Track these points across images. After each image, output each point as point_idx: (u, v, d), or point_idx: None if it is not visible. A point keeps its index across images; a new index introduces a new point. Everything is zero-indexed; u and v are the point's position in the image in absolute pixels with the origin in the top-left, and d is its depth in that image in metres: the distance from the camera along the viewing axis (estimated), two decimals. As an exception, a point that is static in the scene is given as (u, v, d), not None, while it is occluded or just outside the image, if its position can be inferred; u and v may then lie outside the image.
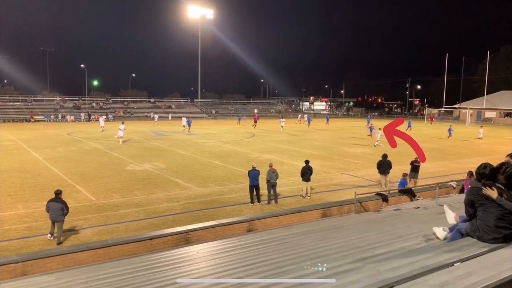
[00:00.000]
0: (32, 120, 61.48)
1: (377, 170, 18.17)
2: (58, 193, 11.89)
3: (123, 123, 36.45)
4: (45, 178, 19.63)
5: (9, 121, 60.84)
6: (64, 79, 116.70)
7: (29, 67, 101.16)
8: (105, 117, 49.48)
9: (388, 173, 17.83)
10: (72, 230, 12.37)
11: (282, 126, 46.55)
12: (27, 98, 74.16)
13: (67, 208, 11.68)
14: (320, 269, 4.07)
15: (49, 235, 11.59)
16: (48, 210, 11.58)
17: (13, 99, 73.32)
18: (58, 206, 11.51)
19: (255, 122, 52.78)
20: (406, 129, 49.69)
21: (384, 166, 17.83)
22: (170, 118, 59.93)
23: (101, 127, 46.08)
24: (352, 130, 51.70)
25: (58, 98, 76.82)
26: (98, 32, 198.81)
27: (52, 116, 65.66)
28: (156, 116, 58.93)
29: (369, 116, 51.82)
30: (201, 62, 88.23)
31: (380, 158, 18.18)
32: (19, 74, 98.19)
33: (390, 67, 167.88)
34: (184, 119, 48.42)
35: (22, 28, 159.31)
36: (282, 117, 50.01)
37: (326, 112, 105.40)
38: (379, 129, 30.98)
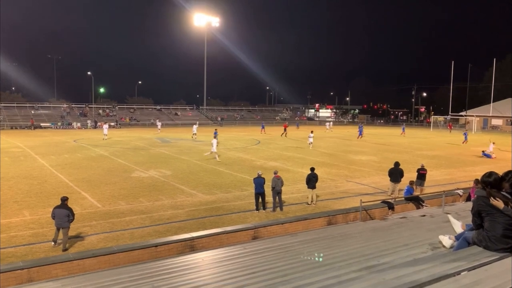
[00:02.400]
0: (32, 127, 61.70)
1: (389, 178, 18.06)
2: (64, 199, 11.94)
3: (105, 123, 40.60)
4: (51, 184, 19.72)
5: (16, 128, 61.33)
6: (71, 87, 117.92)
7: (36, 75, 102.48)
8: (108, 125, 47.54)
9: (399, 181, 17.74)
10: (78, 237, 12.40)
11: (311, 143, 36.44)
12: (34, 105, 74.81)
13: (73, 214, 11.73)
14: (316, 259, 4.05)
15: (52, 243, 11.58)
16: (53, 216, 11.61)
17: (21, 106, 73.98)
18: (64, 212, 11.55)
19: (285, 130, 50.20)
20: (401, 134, 53.69)
21: (395, 174, 17.75)
22: (159, 127, 56.06)
23: (104, 135, 43.80)
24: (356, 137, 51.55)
25: (65, 105, 77.44)
26: (105, 40, 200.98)
27: (59, 123, 66.13)
28: (159, 123, 58.63)
29: (361, 125, 51.75)
30: (207, 69, 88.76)
31: (392, 166, 18.13)
32: (27, 81, 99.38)
33: (395, 74, 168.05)
34: (194, 127, 47.10)
35: (30, 36, 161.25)
36: (312, 132, 38.39)
37: (332, 119, 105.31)
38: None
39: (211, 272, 5.34)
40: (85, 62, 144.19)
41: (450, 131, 65.15)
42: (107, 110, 78.54)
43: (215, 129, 37.59)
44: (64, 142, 40.40)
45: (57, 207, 11.72)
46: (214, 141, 29.97)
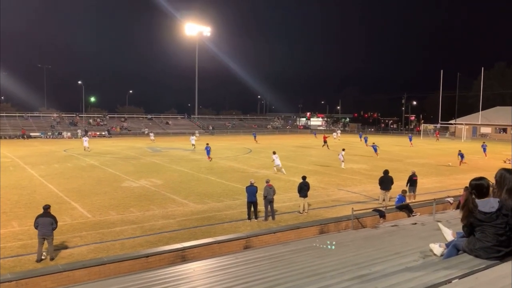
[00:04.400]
0: (25, 136, 61.21)
1: (379, 186, 18.14)
2: (46, 208, 11.79)
3: (85, 135, 40.18)
4: (40, 195, 19.50)
5: (5, 138, 60.67)
6: (61, 96, 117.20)
7: (26, 84, 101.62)
8: (88, 137, 45.30)
9: (390, 189, 17.85)
10: (67, 248, 12.25)
11: (343, 161, 30.19)
12: (23, 114, 74.19)
13: (56, 222, 11.58)
14: (329, 247, 4.01)
15: (40, 256, 11.28)
16: (37, 226, 11.36)
17: (10, 115, 73.30)
18: (48, 221, 11.37)
19: (325, 142, 46.14)
20: (410, 145, 49.86)
21: (386, 182, 17.85)
22: (152, 137, 55.38)
23: (85, 147, 41.31)
24: (348, 145, 51.81)
25: (55, 115, 76.89)
26: (95, 49, 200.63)
27: (49, 133, 65.58)
28: (152, 134, 57.84)
29: (360, 133, 51.40)
30: (198, 78, 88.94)
31: (381, 174, 18.23)
32: (17, 90, 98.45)
33: (386, 83, 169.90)
34: (193, 138, 44.43)
35: (20, 45, 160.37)
36: (343, 150, 31.92)
37: (323, 128, 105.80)
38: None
39: (203, 283, 5.31)
40: (76, 71, 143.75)
41: (437, 139, 65.66)
42: (98, 120, 78.10)
43: (207, 144, 35.13)
44: (54, 152, 40.05)
45: (40, 216, 11.52)
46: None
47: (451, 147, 46.67)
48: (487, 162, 33.81)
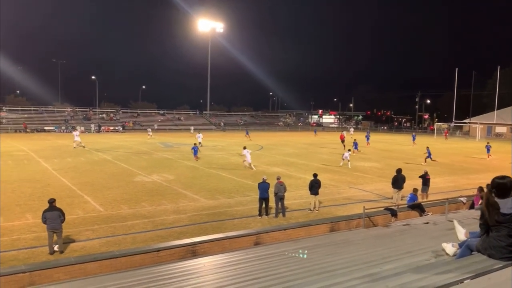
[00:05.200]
0: (28, 130, 61.71)
1: (392, 185, 17.98)
2: (52, 201, 11.89)
3: (76, 129, 41.44)
4: (54, 188, 19.76)
5: (20, 131, 61.57)
6: (75, 91, 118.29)
7: (41, 79, 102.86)
8: (79, 132, 43.26)
9: (402, 187, 17.71)
10: (80, 241, 12.40)
11: (348, 161, 29.23)
12: (38, 108, 75.17)
13: (63, 214, 11.69)
14: (301, 255, 4.01)
15: (53, 249, 11.44)
16: (45, 221, 11.46)
17: (25, 109, 74.35)
18: (56, 214, 11.47)
19: (343, 141, 43.35)
20: (413, 145, 47.90)
21: (400, 181, 17.72)
22: (150, 133, 54.70)
23: (78, 142, 38.95)
24: (361, 143, 51.46)
25: (69, 109, 77.76)
26: (109, 45, 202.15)
27: (63, 127, 66.38)
28: (150, 129, 57.67)
29: (367, 135, 48.85)
30: (210, 74, 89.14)
31: (394, 173, 18.08)
32: (31, 85, 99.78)
33: (399, 81, 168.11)
34: (200, 136, 42.32)
35: (35, 40, 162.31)
36: (349, 150, 31.66)
37: (335, 126, 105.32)
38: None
39: (213, 278, 5.33)
40: (90, 66, 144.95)
41: (446, 138, 64.72)
42: (111, 114, 78.80)
43: (194, 144, 32.60)
44: (67, 146, 40.51)
45: (47, 210, 11.61)
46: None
47: (465, 146, 46.12)
48: (501, 162, 33.29)
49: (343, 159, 29.55)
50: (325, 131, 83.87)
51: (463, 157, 36.58)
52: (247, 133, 56.84)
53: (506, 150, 40.62)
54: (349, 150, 31.52)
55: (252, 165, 26.96)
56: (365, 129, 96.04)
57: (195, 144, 32.93)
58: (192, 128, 69.92)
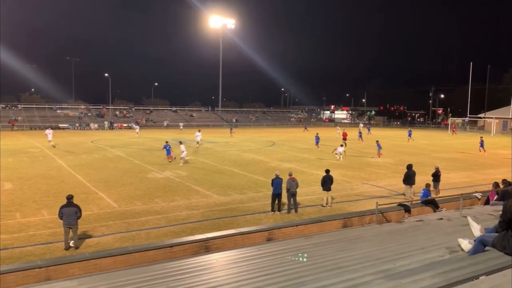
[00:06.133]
0: (16, 128, 61.77)
1: (403, 182, 17.84)
2: (70, 197, 12.05)
3: (50, 128, 41.48)
4: (69, 184, 20.02)
5: (35, 129, 62.46)
6: (89, 88, 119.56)
7: (55, 77, 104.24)
8: (51, 130, 40.56)
9: (414, 183, 17.57)
10: (94, 236, 12.56)
11: (340, 154, 30.05)
12: (52, 106, 76.15)
13: (80, 211, 11.85)
14: (301, 259, 4.01)
15: (68, 244, 11.61)
16: (61, 216, 11.63)
17: (40, 107, 75.39)
18: (73, 210, 11.64)
19: (345, 139, 41.53)
20: (408, 140, 46.71)
21: (412, 177, 17.58)
22: (137, 131, 53.43)
23: (50, 141, 37.48)
24: (374, 139, 51.14)
25: (82, 107, 78.65)
26: (122, 42, 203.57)
27: (77, 124, 67.17)
28: (137, 127, 56.68)
29: (368, 126, 49.45)
30: (222, 71, 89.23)
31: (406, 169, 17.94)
32: (46, 83, 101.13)
33: (413, 75, 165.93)
34: (198, 135, 38.68)
35: (49, 38, 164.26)
36: (341, 146, 31.36)
37: (348, 121, 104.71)
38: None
39: (226, 273, 5.36)
40: (103, 64, 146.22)
41: (453, 133, 63.31)
42: (124, 111, 79.47)
43: (166, 142, 29.79)
44: (81, 143, 41.01)
45: (64, 206, 11.77)
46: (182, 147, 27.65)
47: (475, 142, 45.34)
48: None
49: (337, 153, 29.78)
50: (319, 126, 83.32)
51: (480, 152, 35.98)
52: (230, 130, 56.49)
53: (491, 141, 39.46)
54: (342, 145, 31.63)
55: (184, 161, 27.02)
56: (378, 125, 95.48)
57: (167, 142, 29.79)
58: (181, 124, 67.50)
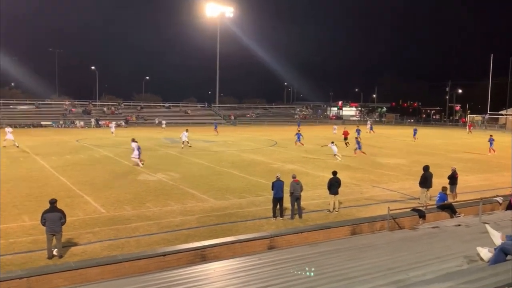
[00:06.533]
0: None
1: (420, 185, 17.81)
2: (53, 202, 12.00)
3: (11, 126, 41.68)
4: (52, 187, 20.04)
5: (15, 127, 62.47)
6: (74, 82, 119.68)
7: (37, 70, 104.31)
8: (10, 128, 39.23)
9: (431, 186, 17.56)
10: (80, 244, 12.57)
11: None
12: (34, 102, 76.14)
13: (64, 217, 11.82)
14: (305, 269, 4.01)
15: (51, 253, 11.56)
16: (44, 222, 11.57)
17: (20, 102, 75.38)
18: (57, 216, 11.56)
19: (346, 139, 40.25)
20: (414, 139, 46.52)
21: (429, 179, 17.57)
22: (112, 130, 51.50)
23: (8, 140, 36.35)
24: (385, 138, 51.19)
25: (67, 103, 78.64)
26: (110, 33, 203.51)
27: (61, 122, 67.20)
28: (113, 124, 55.35)
29: (371, 124, 48.49)
30: (219, 64, 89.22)
31: (422, 171, 17.92)
32: (27, 76, 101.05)
33: (427, 69, 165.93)
34: (185, 134, 37.57)
35: (31, 29, 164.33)
36: (332, 142, 31.65)
37: (356, 119, 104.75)
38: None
39: (224, 284, 5.37)
40: (89, 56, 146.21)
41: (469, 131, 62.59)
42: (112, 108, 79.54)
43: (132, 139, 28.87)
44: (66, 142, 41.05)
45: (47, 211, 11.71)
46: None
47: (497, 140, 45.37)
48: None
49: (336, 154, 30.16)
50: (326, 124, 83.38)
51: (501, 152, 35.98)
52: (215, 127, 55.14)
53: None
54: (333, 142, 31.71)
55: (140, 163, 26.47)
56: (389, 122, 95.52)
57: (133, 140, 28.65)
58: (163, 122, 63.69)
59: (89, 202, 17.56)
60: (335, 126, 57.07)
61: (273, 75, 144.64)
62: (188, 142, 37.52)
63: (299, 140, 39.37)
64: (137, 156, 26.65)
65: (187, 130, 38.51)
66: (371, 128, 58.36)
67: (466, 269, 4.57)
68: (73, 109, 74.55)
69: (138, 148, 27.14)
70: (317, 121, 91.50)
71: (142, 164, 26.48)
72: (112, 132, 50.77)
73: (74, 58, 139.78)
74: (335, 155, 30.20)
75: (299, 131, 41.48)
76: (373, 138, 50.14)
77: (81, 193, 19.09)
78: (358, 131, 44.40)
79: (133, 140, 27.99)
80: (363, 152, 32.66)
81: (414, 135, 48.12)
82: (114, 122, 58.30)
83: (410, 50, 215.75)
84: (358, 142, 33.13)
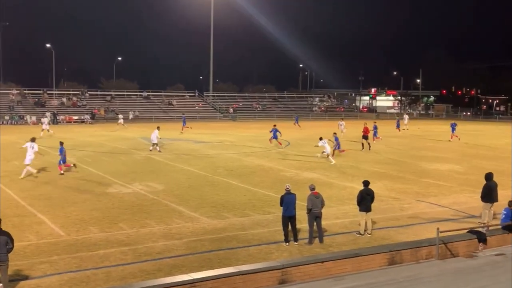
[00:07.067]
0: None
1: (482, 199, 17.72)
2: None
3: None
4: (-5, 203, 20.11)
5: None
6: (24, 65, 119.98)
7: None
8: None
9: (496, 200, 17.46)
10: (32, 278, 12.59)
11: (326, 152, 32.02)
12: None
13: (12, 241, 11.73)
14: None
15: None
16: None
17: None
18: (2, 240, 11.42)
19: (365, 137, 40.20)
20: (451, 138, 46.29)
21: (494, 190, 17.48)
22: (44, 126, 49.92)
23: None
24: (434, 137, 51.07)
25: (14, 92, 78.78)
26: (71, 2, 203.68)
27: (6, 117, 67.37)
28: (45, 120, 54.23)
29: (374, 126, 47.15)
30: (214, 42, 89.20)
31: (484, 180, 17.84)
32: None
33: (489, 46, 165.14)
34: (155, 132, 36.28)
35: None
36: (320, 139, 32.41)
37: (395, 111, 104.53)
38: None
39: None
40: (44, 31, 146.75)
41: None
42: (74, 98, 79.80)
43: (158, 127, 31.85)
44: (13, 144, 41.10)
45: None
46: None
47: None
48: None
49: (325, 153, 31.18)
50: (354, 118, 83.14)
51: None
52: (184, 123, 54.44)
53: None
54: (321, 138, 31.93)
55: (28, 172, 26.33)
56: (439, 115, 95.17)
57: (62, 143, 28.98)
58: (121, 117, 63.08)
59: (44, 222, 17.60)
60: (342, 122, 52.43)
61: (285, 55, 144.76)
62: (157, 145, 36.25)
63: (276, 138, 39.89)
64: (29, 162, 26.64)
65: (158, 128, 36.83)
66: (398, 125, 56.97)
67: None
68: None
69: (62, 152, 27.75)
70: (343, 114, 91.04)
71: (75, 167, 27.62)
72: (46, 129, 49.06)
73: (23, 33, 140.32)
74: (327, 155, 30.89)
75: (275, 125, 41.94)
76: (413, 137, 50.06)
77: (34, 210, 19.13)
78: (375, 127, 44.57)
79: (32, 140, 27.91)
80: (342, 151, 33.96)
81: (453, 131, 47.06)
82: (47, 117, 57.91)
83: (465, 19, 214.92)
84: (336, 139, 33.70)
